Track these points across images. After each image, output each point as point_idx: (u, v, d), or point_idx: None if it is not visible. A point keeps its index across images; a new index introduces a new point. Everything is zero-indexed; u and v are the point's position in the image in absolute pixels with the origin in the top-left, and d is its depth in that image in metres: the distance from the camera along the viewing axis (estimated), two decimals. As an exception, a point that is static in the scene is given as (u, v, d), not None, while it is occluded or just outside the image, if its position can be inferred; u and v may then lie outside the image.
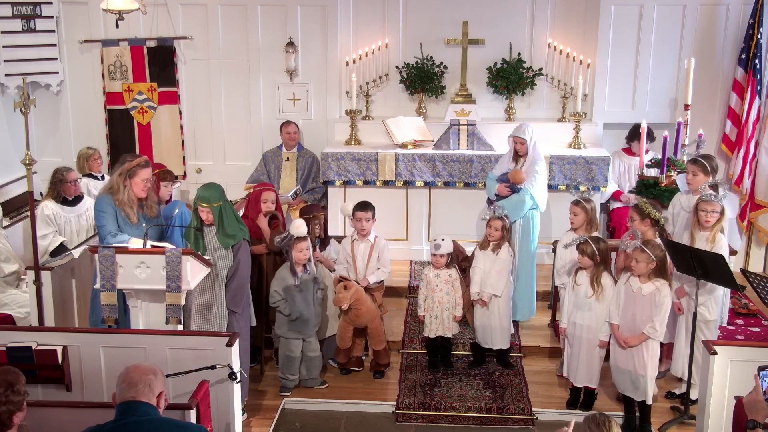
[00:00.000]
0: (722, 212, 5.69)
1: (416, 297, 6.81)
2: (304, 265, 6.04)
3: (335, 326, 6.41)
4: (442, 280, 6.31)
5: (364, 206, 6.40)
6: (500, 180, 6.91)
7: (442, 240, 6.30)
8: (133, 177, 5.57)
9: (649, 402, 5.54)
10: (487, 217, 6.32)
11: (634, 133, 7.95)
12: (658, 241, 5.63)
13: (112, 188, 5.59)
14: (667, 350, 6.20)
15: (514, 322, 6.77)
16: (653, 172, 7.15)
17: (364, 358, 6.57)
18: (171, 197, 6.67)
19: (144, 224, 5.58)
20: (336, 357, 6.43)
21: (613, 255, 6.16)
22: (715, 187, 5.94)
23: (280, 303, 6.01)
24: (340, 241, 6.69)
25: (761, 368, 3.56)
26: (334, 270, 6.50)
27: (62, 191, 7.09)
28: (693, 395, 5.65)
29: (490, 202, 6.92)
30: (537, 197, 6.80)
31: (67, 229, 7.15)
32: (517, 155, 6.92)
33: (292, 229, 5.98)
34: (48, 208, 7.05)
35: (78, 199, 7.23)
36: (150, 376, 3.49)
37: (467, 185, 7.99)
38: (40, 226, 6.78)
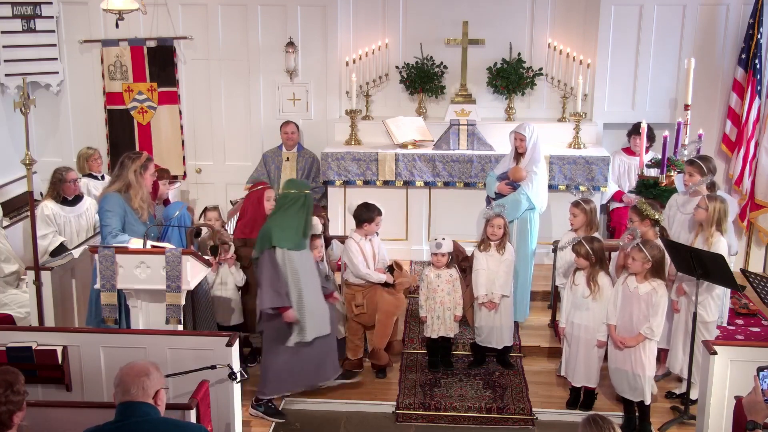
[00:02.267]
0: (708, 209, 5.68)
1: (416, 297, 6.81)
2: (317, 263, 6.04)
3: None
4: (443, 281, 6.31)
5: (377, 209, 6.37)
6: (500, 178, 6.92)
7: (443, 239, 6.30)
8: (144, 173, 5.60)
9: (648, 402, 5.54)
10: (488, 217, 6.32)
11: (635, 129, 7.94)
12: (658, 241, 5.63)
13: (130, 186, 5.54)
14: (663, 355, 6.19)
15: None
16: (653, 172, 7.15)
17: (366, 361, 6.57)
18: (168, 197, 6.67)
19: (149, 223, 5.59)
20: (343, 366, 6.43)
21: (615, 255, 6.16)
22: (712, 185, 5.95)
23: None
24: (343, 242, 6.65)
25: (760, 369, 3.55)
26: (333, 271, 6.50)
27: (62, 191, 7.09)
28: (693, 395, 5.64)
29: (488, 201, 6.92)
30: (533, 198, 6.77)
31: (67, 229, 7.14)
32: (519, 155, 6.92)
33: None
34: (48, 208, 7.04)
35: (78, 199, 7.22)
36: (142, 378, 3.48)
37: (467, 185, 7.99)
38: (40, 226, 6.77)
